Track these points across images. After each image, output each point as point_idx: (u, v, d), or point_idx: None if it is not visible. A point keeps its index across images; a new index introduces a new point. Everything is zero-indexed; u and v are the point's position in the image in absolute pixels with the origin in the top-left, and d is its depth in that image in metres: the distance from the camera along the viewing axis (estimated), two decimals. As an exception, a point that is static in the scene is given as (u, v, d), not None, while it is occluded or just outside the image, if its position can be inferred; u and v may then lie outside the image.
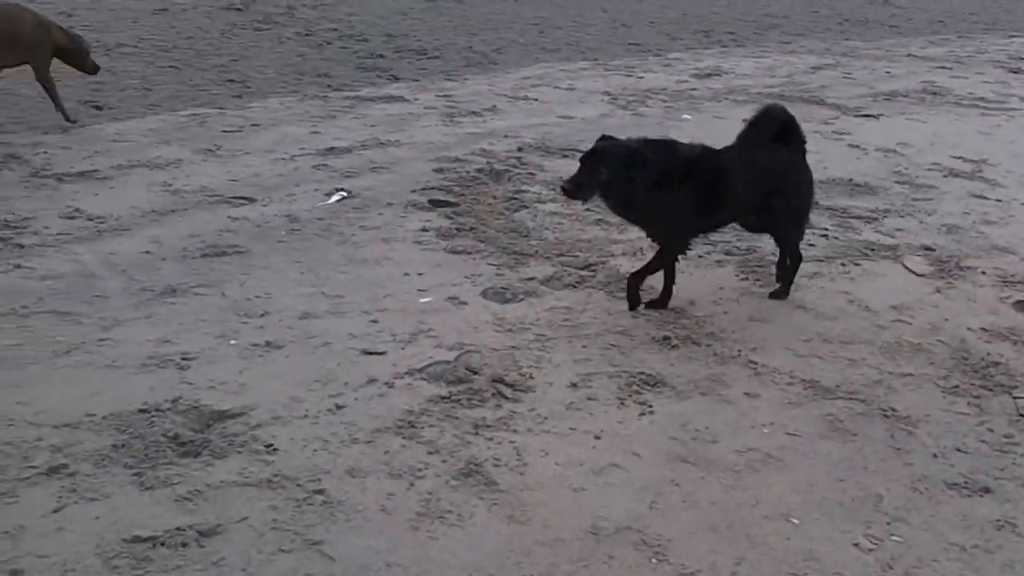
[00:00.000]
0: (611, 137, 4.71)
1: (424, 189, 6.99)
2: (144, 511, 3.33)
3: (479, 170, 7.48)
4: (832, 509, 3.48)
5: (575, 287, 5.32)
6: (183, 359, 4.39)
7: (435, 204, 6.64)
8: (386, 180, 7.26)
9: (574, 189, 4.49)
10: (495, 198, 6.85)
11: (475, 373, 4.32)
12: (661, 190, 4.56)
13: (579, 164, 4.56)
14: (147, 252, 5.67)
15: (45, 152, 7.81)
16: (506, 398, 4.13)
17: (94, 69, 8.94)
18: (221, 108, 9.54)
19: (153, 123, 8.86)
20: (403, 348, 4.54)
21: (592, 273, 5.45)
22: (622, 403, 4.12)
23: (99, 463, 3.59)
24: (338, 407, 4.03)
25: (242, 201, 6.62)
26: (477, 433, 3.86)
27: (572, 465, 3.68)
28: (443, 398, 4.11)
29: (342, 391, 4.15)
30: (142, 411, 3.92)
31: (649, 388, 4.24)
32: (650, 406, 4.10)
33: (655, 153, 4.58)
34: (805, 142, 5.03)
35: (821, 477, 3.66)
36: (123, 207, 6.43)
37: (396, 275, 5.35)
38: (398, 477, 3.57)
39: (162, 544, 3.17)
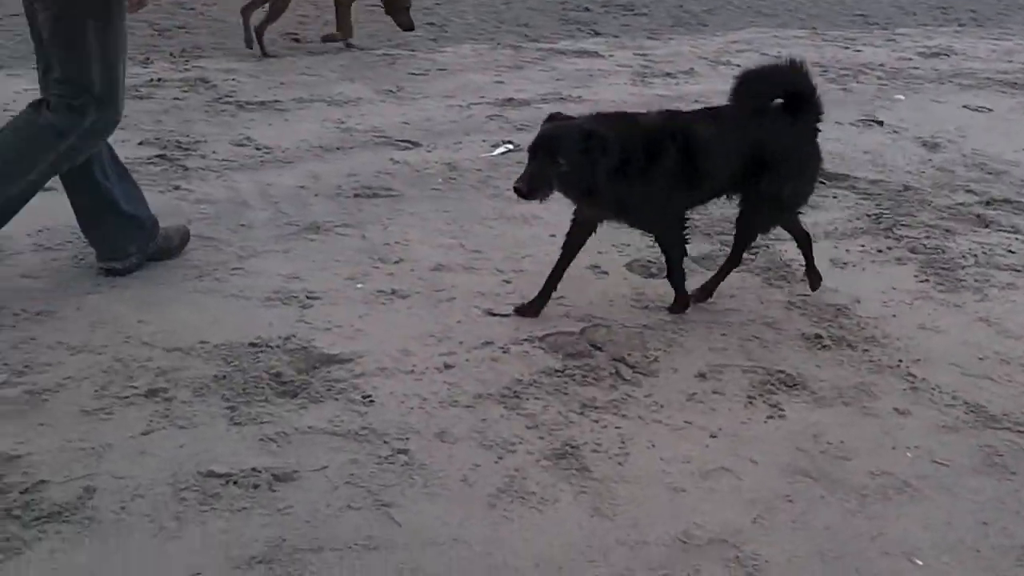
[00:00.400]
0: (560, 116, 4.08)
1: (595, 149, 6.74)
2: (227, 447, 3.33)
3: (659, 135, 7.13)
4: (966, 555, 3.06)
5: (729, 269, 4.96)
6: (307, 297, 4.39)
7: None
8: (559, 136, 7.04)
9: (527, 187, 3.78)
10: (668, 165, 6.51)
11: (598, 349, 4.09)
12: (628, 171, 3.94)
13: (528, 155, 3.87)
14: (302, 187, 5.74)
15: (234, 79, 8.09)
16: (624, 380, 3.89)
17: (408, 25, 9.12)
18: (413, 50, 9.60)
19: (344, 60, 9.03)
20: (526, 323, 4.36)
21: (752, 256, 5.08)
22: (750, 402, 3.80)
23: (197, 392, 3.62)
24: (446, 366, 3.91)
25: (407, 145, 6.61)
26: (583, 413, 3.65)
27: (677, 462, 3.41)
28: (557, 371, 3.92)
29: (454, 350, 4.03)
30: (253, 345, 3.93)
31: (785, 389, 3.89)
32: (781, 409, 3.75)
33: (614, 129, 3.92)
34: (821, 115, 4.33)
35: (962, 516, 3.23)
36: (292, 140, 6.55)
37: (542, 236, 5.16)
38: (488, 448, 3.42)
39: (234, 483, 3.15)
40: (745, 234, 4.48)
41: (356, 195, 5.65)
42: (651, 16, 12.63)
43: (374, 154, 6.39)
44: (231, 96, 7.52)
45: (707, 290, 4.53)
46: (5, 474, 3.14)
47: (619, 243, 5.17)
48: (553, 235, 5.19)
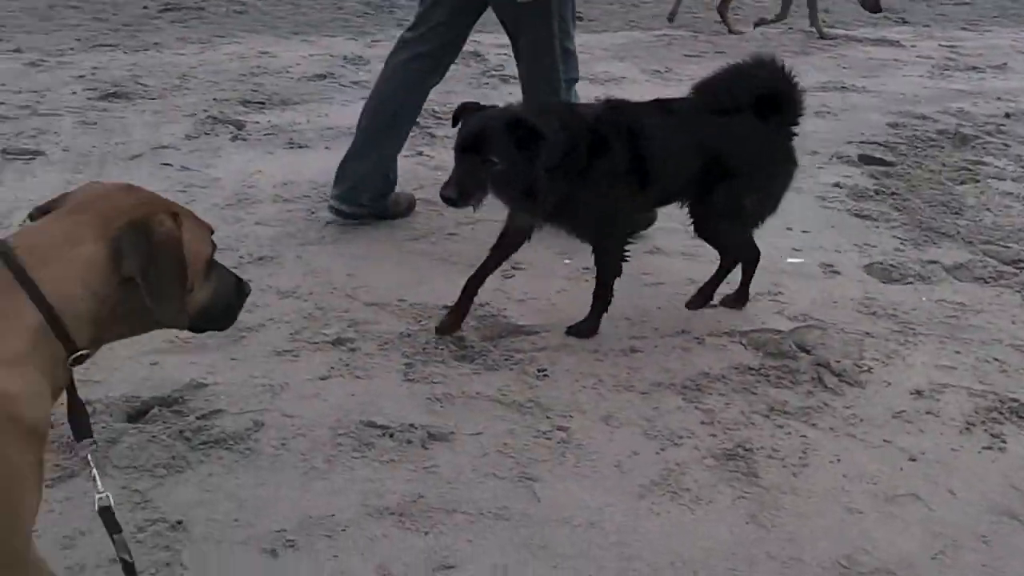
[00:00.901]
0: (475, 105, 3.57)
1: (862, 142, 6.34)
2: (393, 401, 3.44)
3: (940, 132, 6.59)
4: None
5: (986, 282, 4.49)
6: (512, 267, 4.44)
7: (865, 160, 5.99)
8: (827, 126, 6.70)
9: (457, 192, 3.35)
10: (943, 165, 6.00)
11: (804, 351, 3.84)
12: (568, 170, 3.49)
13: (455, 156, 3.44)
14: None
15: (507, 54, 8.27)
16: (825, 387, 3.63)
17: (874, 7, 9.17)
18: (696, 32, 9.43)
19: (620, 39, 9.03)
20: (735, 311, 4.17)
21: (1017, 270, 4.56)
22: (968, 428, 3.42)
23: (382, 346, 3.77)
24: (632, 350, 3.84)
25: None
26: (768, 416, 3.44)
27: (861, 481, 3.14)
28: (751, 369, 3.72)
29: (646, 335, 3.93)
30: (446, 307, 4.01)
31: (1015, 420, 3.47)
32: (1003, 441, 3.35)
33: (550, 120, 3.43)
34: (799, 117, 3.85)
35: None
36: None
37: (776, 227, 4.88)
38: (652, 438, 3.30)
39: (390, 435, 3.25)
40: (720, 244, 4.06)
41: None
42: (974, 5, 11.61)
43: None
44: (498, 70, 7.74)
45: (705, 295, 4.10)
46: (190, 400, 3.41)
47: (861, 242, 4.80)
48: (790, 228, 4.96)
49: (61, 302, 1.79)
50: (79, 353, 1.86)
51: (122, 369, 3.54)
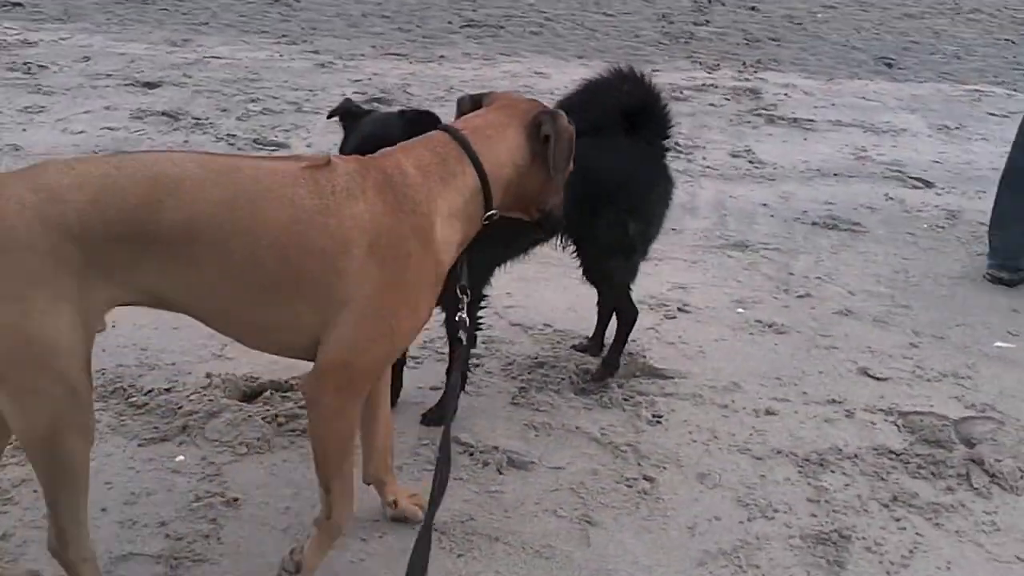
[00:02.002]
0: (353, 106, 3.15)
1: None
2: (491, 421, 3.55)
3: None
4: None
5: None
6: (679, 309, 4.44)
7: None
8: None
9: None
10: None
11: (966, 444, 3.54)
12: None
13: None
14: (764, 204, 5.72)
15: (786, 95, 8.18)
16: (971, 486, 3.32)
17: None
18: (1015, 91, 8.75)
19: (923, 90, 8.57)
20: (909, 385, 3.90)
21: None
22: None
23: (506, 366, 3.92)
24: (767, 412, 3.69)
25: (918, 184, 6.17)
26: (888, 506, 3.21)
27: (966, 593, 2.85)
28: (892, 452, 3.48)
29: (789, 398, 3.78)
30: (588, 339, 4.07)
31: None
32: None
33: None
34: (668, 129, 3.54)
35: None
36: (793, 159, 6.50)
37: (1000, 306, 4.52)
38: (744, 506, 3.18)
39: (469, 454, 3.37)
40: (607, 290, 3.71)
41: (814, 223, 5.44)
42: None
43: (871, 186, 6.05)
44: (768, 109, 7.61)
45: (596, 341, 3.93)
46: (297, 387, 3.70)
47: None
48: (1016, 311, 4.52)
49: (492, 170, 2.52)
50: (489, 214, 2.55)
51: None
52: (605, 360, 3.81)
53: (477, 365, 3.88)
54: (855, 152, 6.70)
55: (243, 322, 2.44)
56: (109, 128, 6.56)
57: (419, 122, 3.02)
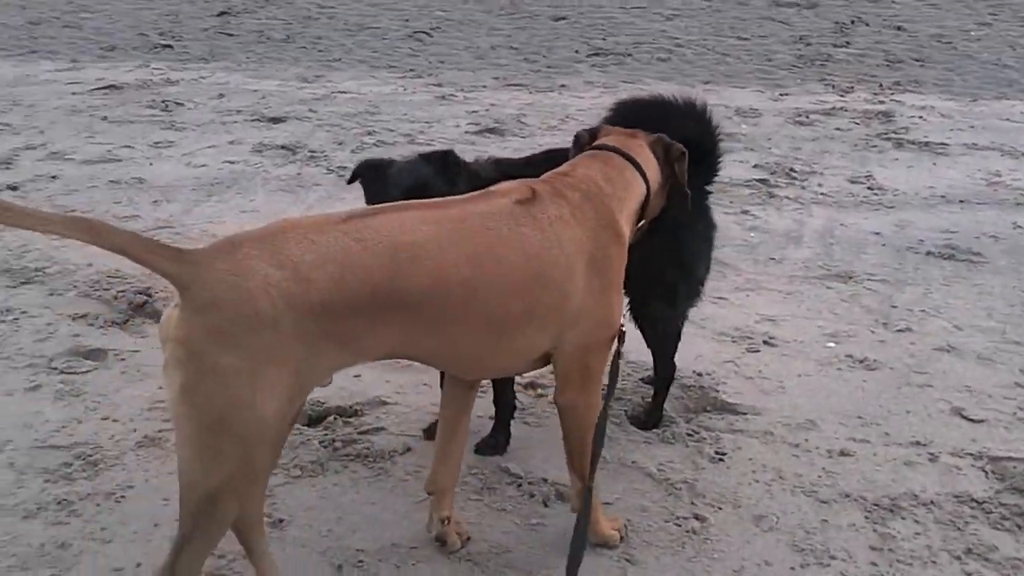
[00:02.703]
0: (378, 162, 3.25)
1: None
2: (545, 452, 3.52)
3: None
4: None
5: None
6: (764, 342, 4.31)
7: None
8: None
9: None
10: None
11: (1061, 493, 3.28)
12: None
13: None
14: (877, 233, 5.53)
15: (921, 118, 7.88)
16: (1060, 541, 3.08)
17: None
18: None
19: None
20: (1007, 428, 3.66)
21: None
22: None
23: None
24: (842, 453, 3.54)
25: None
26: (960, 559, 3.02)
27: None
28: (974, 501, 3.27)
29: (869, 439, 3.61)
30: (696, 373, 3.99)
31: None
32: None
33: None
34: (715, 175, 3.43)
35: None
36: (917, 185, 6.25)
37: None
38: (799, 551, 3.05)
39: (517, 485, 3.38)
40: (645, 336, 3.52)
41: (928, 253, 5.19)
42: None
43: (999, 214, 5.74)
44: (898, 133, 7.33)
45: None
46: (365, 414, 3.76)
47: None
48: None
49: (651, 183, 2.89)
50: (641, 223, 2.91)
51: (326, 378, 3.94)
52: (644, 420, 3.68)
53: (541, 395, 3.84)
54: (987, 177, 6.36)
55: (474, 357, 2.62)
56: (229, 162, 6.83)
57: (447, 162, 3.08)
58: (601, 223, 2.68)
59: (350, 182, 3.30)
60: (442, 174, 3.11)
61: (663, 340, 3.59)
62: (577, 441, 2.81)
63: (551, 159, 3.20)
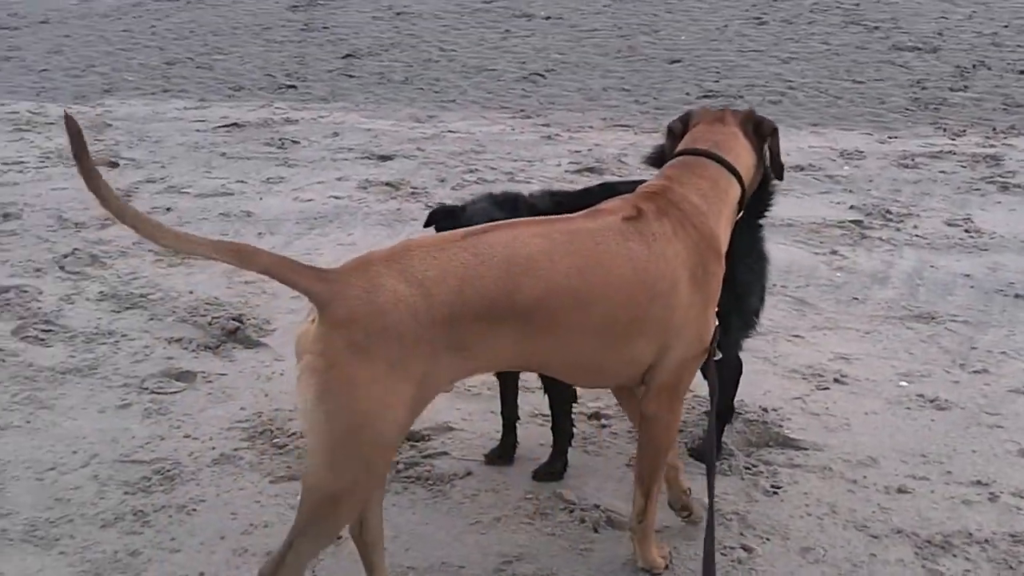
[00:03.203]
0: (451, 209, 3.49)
1: None
2: (600, 481, 3.64)
3: None
4: None
5: None
6: (835, 380, 4.35)
7: None
8: None
9: None
10: None
11: (1125, 538, 3.24)
12: None
13: None
14: (967, 275, 5.46)
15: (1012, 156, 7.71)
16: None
17: None
18: None
19: None
20: (1082, 467, 3.61)
21: None
22: None
23: (631, 429, 3.91)
24: (900, 490, 3.55)
25: None
26: (1014, 598, 3.01)
27: None
28: (1019, 539, 3.25)
29: (929, 476, 3.61)
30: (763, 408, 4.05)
31: None
32: None
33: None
34: (769, 207, 3.43)
35: None
36: (1017, 229, 6.12)
37: None
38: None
39: (569, 511, 3.48)
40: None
41: (1017, 295, 5.12)
42: None
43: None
44: (1005, 176, 7.21)
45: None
46: (432, 438, 3.92)
47: None
48: None
49: (745, 181, 2.99)
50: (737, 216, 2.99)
51: (400, 401, 4.13)
52: (703, 452, 3.66)
53: (604, 426, 3.94)
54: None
55: (584, 366, 2.79)
56: (334, 197, 7.15)
57: (517, 206, 3.38)
58: (702, 241, 2.80)
59: (426, 226, 3.50)
60: (512, 216, 3.22)
61: (722, 373, 3.62)
62: (653, 455, 2.94)
63: (606, 190, 3.35)
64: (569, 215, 2.81)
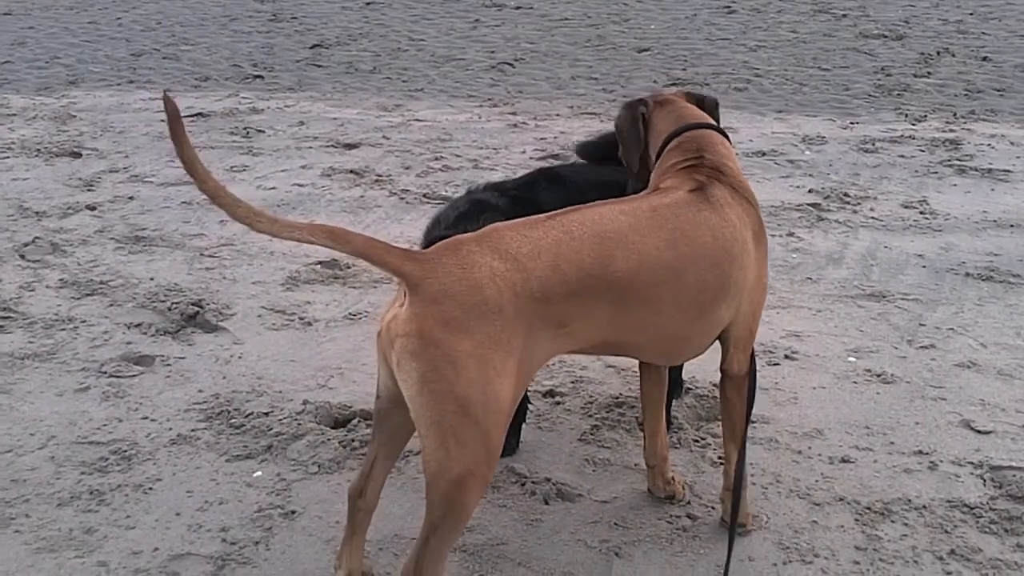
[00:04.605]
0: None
1: None
2: (552, 454, 3.71)
3: None
4: None
5: None
6: (786, 356, 4.43)
7: None
8: None
9: None
10: None
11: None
12: None
13: None
14: (919, 255, 5.56)
15: (989, 145, 7.87)
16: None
17: None
18: None
19: None
20: (1013, 439, 3.74)
21: None
22: None
23: (586, 405, 4.04)
24: (843, 460, 3.66)
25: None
26: (943, 559, 3.12)
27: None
28: (966, 506, 3.36)
29: (873, 447, 3.72)
30: (713, 384, 4.14)
31: None
32: None
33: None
34: None
35: None
36: (972, 209, 6.28)
37: None
38: (783, 548, 3.19)
39: (520, 483, 3.55)
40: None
41: (967, 274, 5.25)
42: None
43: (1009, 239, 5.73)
44: (962, 160, 7.34)
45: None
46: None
47: None
48: None
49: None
50: None
51: (358, 382, 4.22)
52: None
53: (558, 403, 4.03)
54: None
55: (675, 339, 2.86)
56: (298, 184, 7.20)
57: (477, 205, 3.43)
58: (751, 199, 2.97)
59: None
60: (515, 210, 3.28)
61: None
62: (739, 408, 3.05)
63: (544, 175, 3.45)
64: (636, 195, 2.92)
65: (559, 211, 2.68)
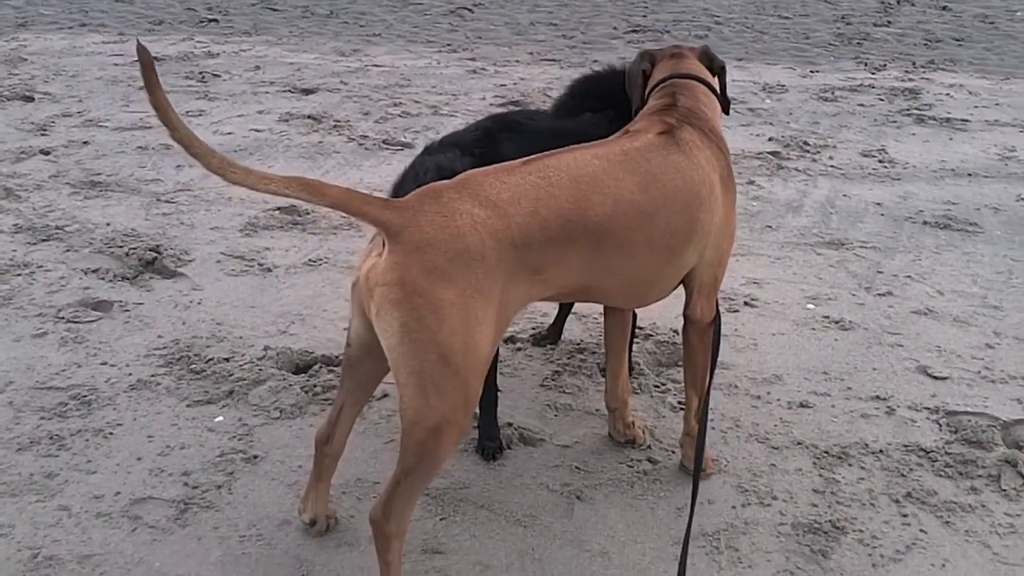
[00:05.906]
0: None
1: None
2: (514, 400, 3.69)
3: None
4: None
5: None
6: (746, 303, 4.44)
7: None
8: None
9: None
10: None
11: (1006, 446, 3.43)
12: None
13: None
14: (878, 203, 5.63)
15: (949, 95, 7.93)
16: (999, 488, 3.23)
17: None
18: None
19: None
20: (968, 385, 3.79)
21: None
22: None
23: (548, 351, 4.04)
24: (802, 405, 3.69)
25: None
26: (899, 501, 3.17)
27: (948, 595, 2.80)
28: (922, 450, 3.42)
29: (831, 392, 3.76)
30: (673, 331, 4.17)
31: None
32: None
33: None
34: None
35: None
36: (931, 158, 6.39)
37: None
38: (742, 492, 3.23)
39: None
40: None
41: (925, 223, 5.30)
42: None
43: (1005, 187, 5.82)
44: (921, 110, 7.39)
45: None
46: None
47: None
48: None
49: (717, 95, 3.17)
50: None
51: (318, 328, 4.19)
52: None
53: (519, 349, 4.04)
54: (1002, 152, 6.42)
55: (645, 283, 2.85)
56: (255, 130, 7.11)
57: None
58: (721, 144, 2.99)
59: None
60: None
61: None
62: (702, 354, 3.08)
63: (497, 121, 3.41)
64: (610, 138, 2.90)
65: (533, 156, 2.66)
